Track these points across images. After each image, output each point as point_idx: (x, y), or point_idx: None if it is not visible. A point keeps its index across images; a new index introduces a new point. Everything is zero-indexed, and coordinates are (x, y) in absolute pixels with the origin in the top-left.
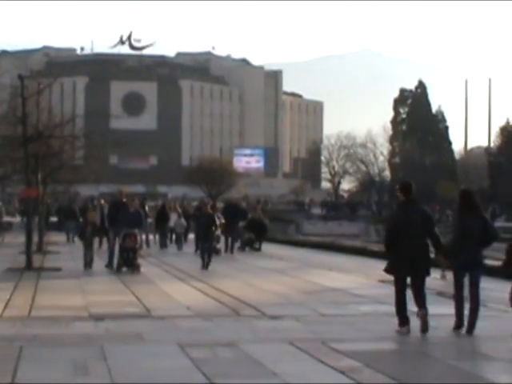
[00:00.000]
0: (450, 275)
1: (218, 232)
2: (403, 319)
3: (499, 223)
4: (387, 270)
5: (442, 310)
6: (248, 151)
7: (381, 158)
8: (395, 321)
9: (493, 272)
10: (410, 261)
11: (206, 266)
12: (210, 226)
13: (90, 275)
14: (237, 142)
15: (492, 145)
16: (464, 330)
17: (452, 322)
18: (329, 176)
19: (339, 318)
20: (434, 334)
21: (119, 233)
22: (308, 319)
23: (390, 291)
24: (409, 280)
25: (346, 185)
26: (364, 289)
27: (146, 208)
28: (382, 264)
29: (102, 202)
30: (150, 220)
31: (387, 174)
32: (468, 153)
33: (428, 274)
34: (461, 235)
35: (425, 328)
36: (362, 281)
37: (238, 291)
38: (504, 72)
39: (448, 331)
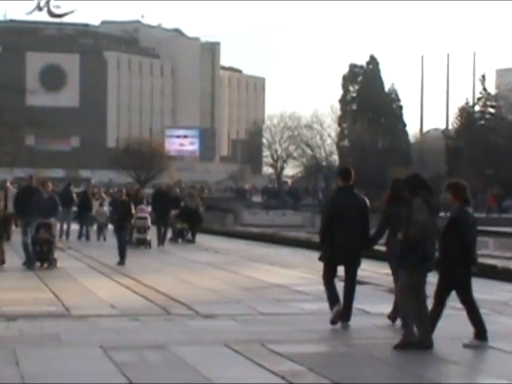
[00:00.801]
0: None
1: (148, 222)
2: (335, 299)
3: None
4: (321, 258)
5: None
6: (181, 132)
7: (328, 141)
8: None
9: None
10: (345, 249)
11: (121, 261)
12: (125, 215)
13: (1, 269)
14: (169, 121)
15: (450, 127)
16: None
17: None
18: (271, 160)
19: (280, 318)
20: (383, 335)
21: (31, 223)
22: (246, 319)
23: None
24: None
25: (290, 170)
26: (308, 285)
27: (74, 195)
28: None
29: (8, 184)
30: (75, 208)
31: (335, 158)
32: (424, 135)
33: (360, 264)
34: (389, 225)
35: (335, 319)
36: (307, 276)
37: (169, 288)
38: (464, 47)
39: (398, 332)
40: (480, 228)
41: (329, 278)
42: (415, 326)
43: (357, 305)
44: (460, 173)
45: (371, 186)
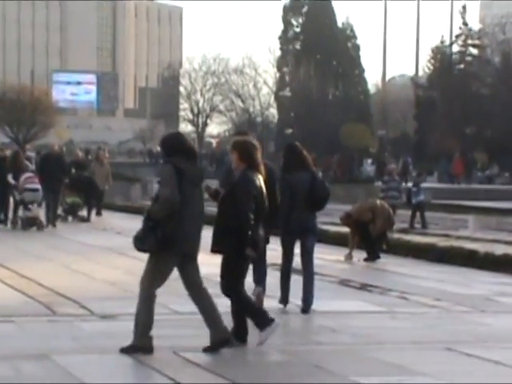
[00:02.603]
0: (360, 255)
1: (41, 195)
2: (286, 296)
3: (426, 184)
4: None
5: (343, 306)
6: (73, 77)
7: (264, 90)
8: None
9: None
10: (299, 226)
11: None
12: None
13: None
14: (56, 63)
15: (421, 73)
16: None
17: (358, 320)
18: (190, 115)
19: (199, 317)
20: (331, 339)
21: None
22: (156, 319)
23: (273, 279)
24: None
25: (215, 128)
26: None
27: None
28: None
29: None
30: None
31: (273, 112)
32: (387, 84)
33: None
34: (289, 196)
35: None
36: None
37: (55, 280)
38: None
39: (357, 336)
40: (458, 203)
41: (285, 262)
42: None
43: (298, 300)
44: (433, 131)
45: (319, 147)
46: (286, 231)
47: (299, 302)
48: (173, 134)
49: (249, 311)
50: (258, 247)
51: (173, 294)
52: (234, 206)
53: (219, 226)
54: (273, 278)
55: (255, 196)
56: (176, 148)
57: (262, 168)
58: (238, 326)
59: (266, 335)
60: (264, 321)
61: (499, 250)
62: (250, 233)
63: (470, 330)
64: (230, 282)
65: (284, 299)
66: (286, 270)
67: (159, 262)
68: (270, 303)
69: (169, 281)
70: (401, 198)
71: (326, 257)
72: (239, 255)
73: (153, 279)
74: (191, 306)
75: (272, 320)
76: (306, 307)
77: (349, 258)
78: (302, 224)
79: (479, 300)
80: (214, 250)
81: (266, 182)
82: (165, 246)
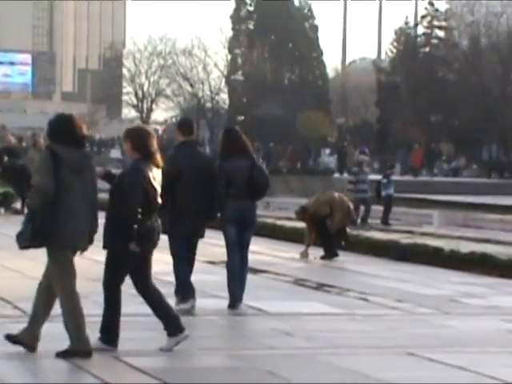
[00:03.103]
0: (316, 252)
1: None
2: (188, 290)
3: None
4: (167, 231)
5: (298, 307)
6: (6, 57)
7: (215, 74)
8: (223, 321)
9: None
10: (190, 216)
11: None
12: None
13: None
14: None
15: (383, 56)
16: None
17: (314, 322)
18: (134, 99)
19: (143, 319)
20: (285, 343)
21: None
22: (95, 321)
23: (220, 277)
24: None
25: (161, 114)
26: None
27: None
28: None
29: None
30: None
31: (224, 97)
32: (347, 67)
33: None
34: (225, 185)
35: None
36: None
37: None
38: None
39: (312, 340)
40: (422, 197)
41: (180, 258)
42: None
43: (250, 301)
44: (396, 119)
45: (274, 136)
46: (226, 222)
47: (252, 303)
48: (60, 117)
49: (157, 312)
50: (145, 242)
51: None
52: (120, 198)
53: (106, 219)
54: (220, 277)
55: (145, 188)
56: (60, 132)
57: (159, 158)
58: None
59: (174, 342)
60: (174, 327)
61: (466, 247)
62: (135, 227)
63: (433, 334)
64: (108, 275)
65: (233, 299)
66: (232, 266)
67: (54, 260)
68: (219, 304)
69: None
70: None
71: (280, 254)
72: (123, 250)
73: (60, 279)
74: (135, 307)
75: (182, 329)
76: (234, 302)
77: (304, 255)
78: (241, 214)
79: (444, 301)
80: (103, 246)
81: (163, 172)
82: (38, 239)
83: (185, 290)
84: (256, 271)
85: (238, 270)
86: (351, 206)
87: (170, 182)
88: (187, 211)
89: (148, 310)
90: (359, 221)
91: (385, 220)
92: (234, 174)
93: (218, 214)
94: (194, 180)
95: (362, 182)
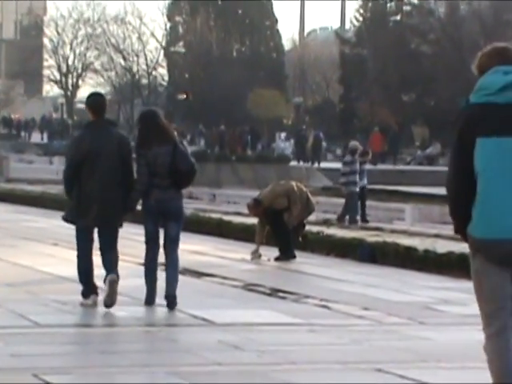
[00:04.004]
0: (270, 253)
1: None
2: (89, 286)
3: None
4: (67, 219)
5: (249, 316)
6: None
7: (152, 45)
8: (161, 333)
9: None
10: (98, 205)
11: None
12: None
13: None
14: None
15: (348, 25)
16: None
17: (268, 334)
18: (57, 74)
19: (67, 331)
20: (233, 358)
21: None
22: (11, 333)
23: (157, 282)
24: None
25: (89, 90)
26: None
27: None
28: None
29: None
30: None
31: (162, 72)
32: (306, 39)
33: (121, 225)
34: (146, 174)
35: (111, 300)
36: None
37: None
38: None
39: (265, 354)
40: (392, 188)
41: (81, 248)
42: None
43: (192, 310)
44: (362, 98)
45: (221, 118)
46: (146, 214)
47: (195, 311)
48: None
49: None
50: None
51: (34, 301)
52: None
53: None
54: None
55: None
56: None
57: None
58: None
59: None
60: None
61: (442, 247)
62: None
63: (405, 347)
64: None
65: (149, 299)
66: (150, 263)
67: None
68: (156, 313)
69: (25, 284)
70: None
71: (227, 255)
72: None
73: None
74: (57, 317)
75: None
76: (170, 304)
77: (256, 256)
78: (164, 206)
79: (418, 309)
80: None
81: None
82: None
83: (86, 285)
84: (200, 274)
85: (155, 268)
86: (310, 195)
87: (75, 167)
88: (93, 199)
89: (73, 319)
90: (347, 217)
91: (363, 217)
92: (155, 162)
93: (140, 207)
94: (103, 165)
95: (354, 173)
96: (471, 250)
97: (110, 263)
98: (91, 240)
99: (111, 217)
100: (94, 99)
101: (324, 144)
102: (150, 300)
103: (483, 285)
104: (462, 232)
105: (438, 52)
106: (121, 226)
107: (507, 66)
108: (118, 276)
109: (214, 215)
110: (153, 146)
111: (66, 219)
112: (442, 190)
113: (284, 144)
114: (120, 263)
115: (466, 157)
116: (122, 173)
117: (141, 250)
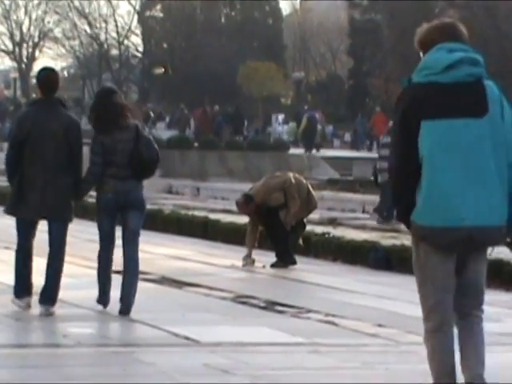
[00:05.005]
0: (266, 258)
1: None
2: (24, 285)
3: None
4: (8, 211)
5: (240, 335)
6: None
7: (123, 8)
8: (136, 355)
9: None
10: (41, 193)
11: None
12: None
13: None
14: None
15: None
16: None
17: (262, 356)
18: (9, 43)
19: (9, 351)
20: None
21: None
22: None
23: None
24: None
25: (48, 63)
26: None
27: None
28: None
29: None
30: None
31: (136, 41)
32: (308, 3)
33: (70, 220)
34: (101, 163)
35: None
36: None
37: None
38: None
39: (259, 380)
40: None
41: (20, 244)
42: None
43: (173, 327)
44: (375, 72)
45: (206, 95)
46: (101, 209)
47: (176, 329)
48: None
49: None
50: None
51: None
52: None
53: None
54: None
55: None
56: None
57: None
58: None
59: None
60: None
61: None
62: None
63: (426, 371)
64: None
65: (103, 297)
66: (103, 262)
67: None
68: (130, 330)
69: None
70: None
71: (213, 261)
72: None
73: None
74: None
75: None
76: (125, 308)
77: (249, 262)
78: (123, 197)
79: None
80: None
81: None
82: None
83: (20, 285)
84: (181, 284)
85: (109, 266)
86: (311, 189)
87: (17, 148)
88: (34, 186)
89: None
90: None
91: (381, 213)
92: (114, 149)
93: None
94: (46, 148)
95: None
96: (415, 239)
97: (53, 276)
98: (32, 234)
99: (57, 208)
100: (45, 74)
101: (330, 128)
102: (103, 299)
103: (425, 276)
104: (405, 220)
105: (467, 18)
106: (70, 220)
107: (452, 42)
108: (54, 303)
109: (197, 213)
110: (111, 132)
111: (7, 211)
112: None
113: (282, 128)
114: (75, 269)
115: (410, 140)
116: (69, 160)
117: (91, 249)
